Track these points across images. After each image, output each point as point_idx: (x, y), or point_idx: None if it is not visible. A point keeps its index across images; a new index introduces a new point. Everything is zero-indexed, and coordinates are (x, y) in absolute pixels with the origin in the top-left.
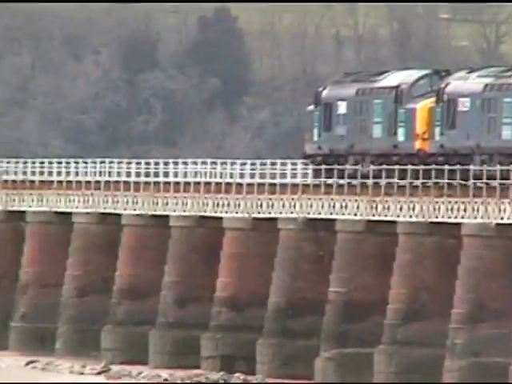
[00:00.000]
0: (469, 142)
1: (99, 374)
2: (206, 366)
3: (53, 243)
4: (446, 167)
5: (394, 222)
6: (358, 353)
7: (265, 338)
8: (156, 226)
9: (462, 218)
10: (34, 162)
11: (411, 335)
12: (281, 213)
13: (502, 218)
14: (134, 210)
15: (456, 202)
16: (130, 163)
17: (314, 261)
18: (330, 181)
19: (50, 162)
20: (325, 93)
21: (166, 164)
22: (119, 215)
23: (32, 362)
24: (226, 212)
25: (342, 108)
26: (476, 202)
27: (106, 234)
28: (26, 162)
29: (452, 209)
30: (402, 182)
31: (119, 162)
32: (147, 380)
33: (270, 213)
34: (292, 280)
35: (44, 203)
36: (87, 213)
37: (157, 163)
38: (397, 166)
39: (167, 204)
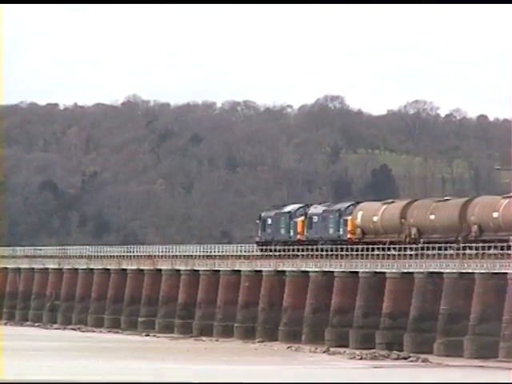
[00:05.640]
0: (316, 235)
1: (324, 352)
2: (377, 347)
3: None
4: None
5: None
6: (455, 340)
7: (408, 333)
8: None
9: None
10: None
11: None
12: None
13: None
14: None
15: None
16: None
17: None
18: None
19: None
20: (262, 214)
21: None
22: None
23: (289, 347)
24: None
25: (269, 221)
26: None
27: None
28: None
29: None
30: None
31: None
32: (340, 358)
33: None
34: (421, 303)
35: None
36: None
37: None
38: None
39: None
